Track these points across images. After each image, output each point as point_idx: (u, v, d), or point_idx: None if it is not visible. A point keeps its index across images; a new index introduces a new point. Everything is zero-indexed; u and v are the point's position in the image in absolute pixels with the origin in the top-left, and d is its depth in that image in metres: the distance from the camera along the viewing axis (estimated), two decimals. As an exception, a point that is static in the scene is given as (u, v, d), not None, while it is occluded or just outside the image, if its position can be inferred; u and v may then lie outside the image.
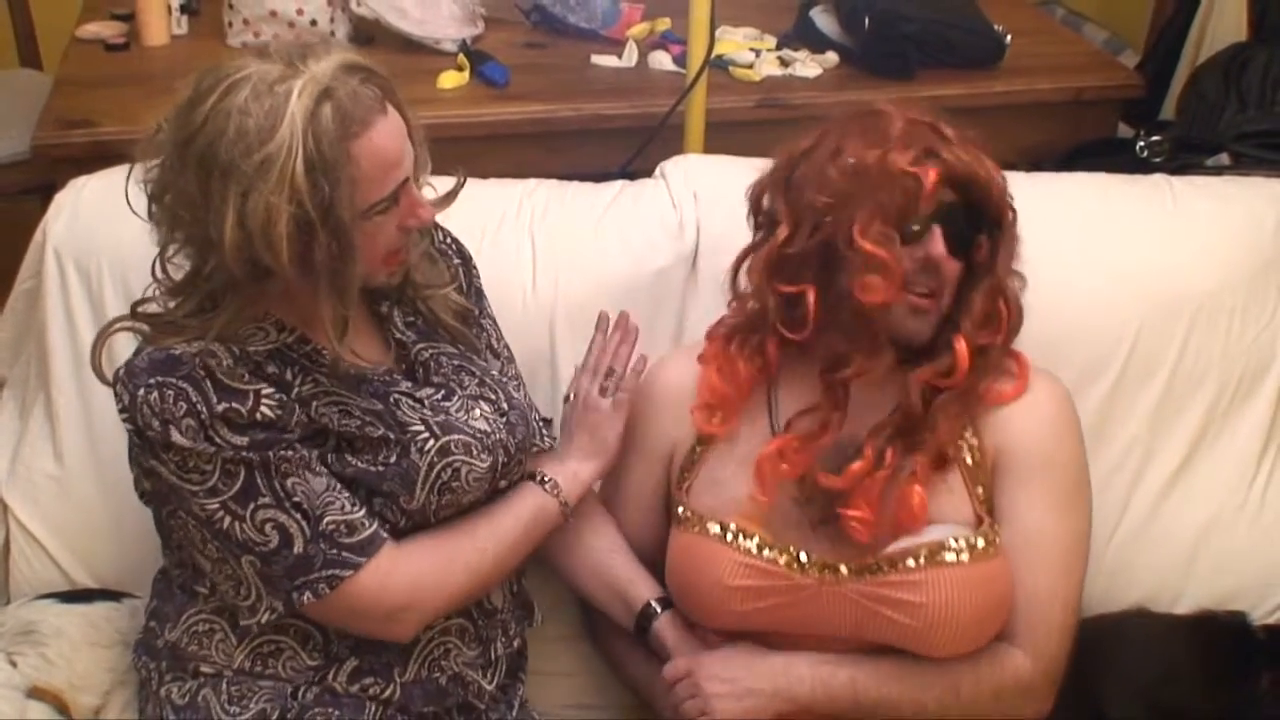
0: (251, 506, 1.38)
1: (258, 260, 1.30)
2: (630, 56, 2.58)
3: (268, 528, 1.39)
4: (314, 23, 2.55)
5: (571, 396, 1.67)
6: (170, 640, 1.52)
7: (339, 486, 1.42)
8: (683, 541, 1.56)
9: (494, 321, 1.69)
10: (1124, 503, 1.83)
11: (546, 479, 1.58)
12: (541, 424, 1.65)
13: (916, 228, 1.47)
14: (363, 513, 1.43)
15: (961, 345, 1.50)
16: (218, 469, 1.37)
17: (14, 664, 1.58)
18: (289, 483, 1.39)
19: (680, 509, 1.58)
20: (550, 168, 2.23)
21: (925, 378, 1.52)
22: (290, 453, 1.39)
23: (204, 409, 1.35)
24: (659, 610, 1.60)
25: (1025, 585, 1.51)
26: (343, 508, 1.41)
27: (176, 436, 1.35)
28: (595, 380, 1.64)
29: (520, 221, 1.90)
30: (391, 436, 1.44)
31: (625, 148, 2.36)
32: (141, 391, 1.35)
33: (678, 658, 1.55)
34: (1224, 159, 2.35)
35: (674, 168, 1.98)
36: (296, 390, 1.42)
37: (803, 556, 1.51)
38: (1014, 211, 1.56)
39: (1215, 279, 1.87)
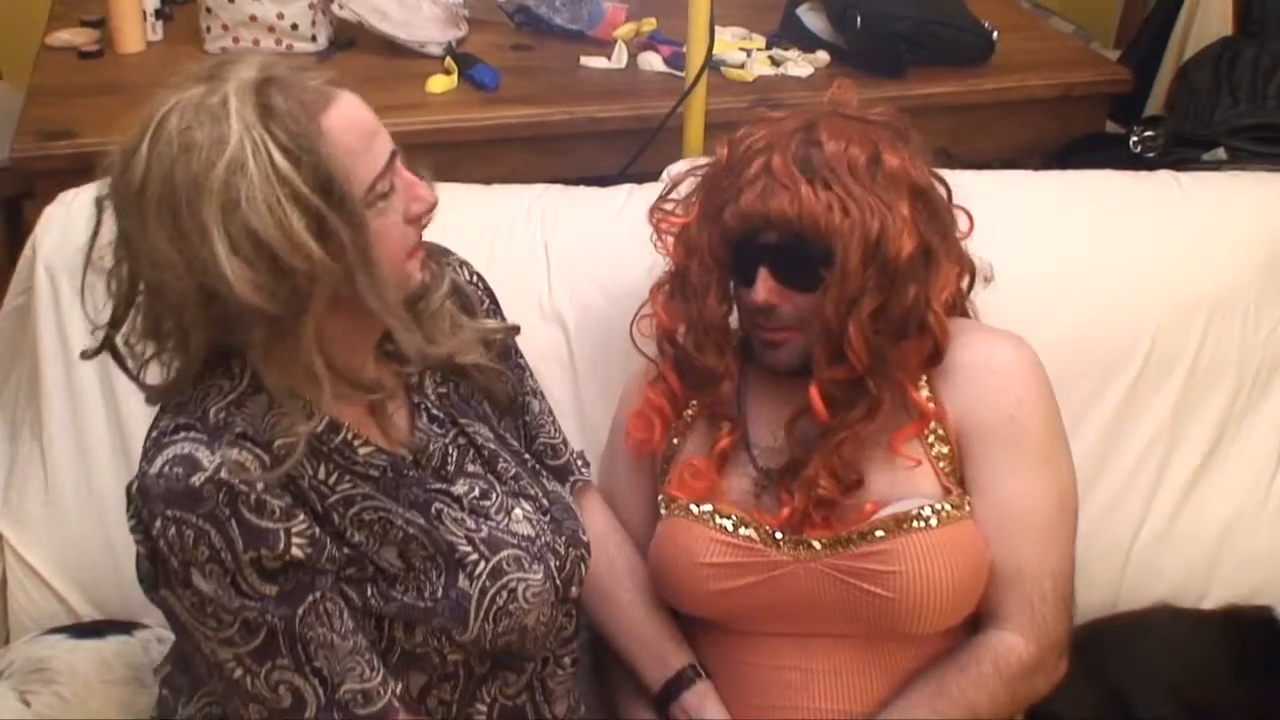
0: (268, 666, 1.26)
1: (289, 275, 1.16)
2: (620, 58, 2.55)
3: (281, 689, 1.27)
4: (295, 26, 2.48)
5: None
6: (185, 716, 1.43)
7: (364, 646, 1.31)
8: (664, 527, 1.56)
9: (524, 356, 1.61)
10: (1147, 501, 1.84)
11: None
12: (578, 459, 1.62)
13: (742, 271, 1.51)
14: (379, 679, 1.30)
15: (813, 388, 1.49)
16: (238, 622, 1.24)
17: (27, 703, 1.55)
18: (312, 647, 1.26)
19: (661, 498, 1.59)
20: (545, 171, 2.21)
21: (794, 420, 1.52)
22: (319, 611, 1.27)
23: (229, 556, 1.21)
24: (696, 676, 1.54)
25: (1009, 561, 1.49)
26: (362, 674, 1.29)
27: (199, 580, 1.22)
28: None
29: (531, 226, 1.87)
30: (440, 560, 1.34)
31: (619, 150, 2.32)
32: (159, 523, 1.21)
33: None
34: (1220, 154, 2.35)
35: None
36: (333, 497, 1.30)
37: (778, 535, 1.50)
38: (858, 239, 1.46)
39: (1229, 275, 1.88)
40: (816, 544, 1.49)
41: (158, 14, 2.56)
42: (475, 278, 1.54)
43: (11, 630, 1.76)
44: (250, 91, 1.16)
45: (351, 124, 1.22)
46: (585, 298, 1.83)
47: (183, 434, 1.24)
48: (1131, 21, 3.47)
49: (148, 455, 1.25)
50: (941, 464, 1.51)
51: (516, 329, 1.55)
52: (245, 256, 1.14)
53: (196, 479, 1.20)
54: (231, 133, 1.14)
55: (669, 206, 1.63)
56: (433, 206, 1.31)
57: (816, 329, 1.49)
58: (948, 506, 1.47)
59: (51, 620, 1.73)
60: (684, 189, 1.63)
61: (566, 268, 1.84)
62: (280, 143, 1.15)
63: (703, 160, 1.66)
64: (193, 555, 1.21)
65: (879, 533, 1.46)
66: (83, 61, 2.48)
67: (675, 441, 1.62)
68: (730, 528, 1.51)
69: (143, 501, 1.23)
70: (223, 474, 1.21)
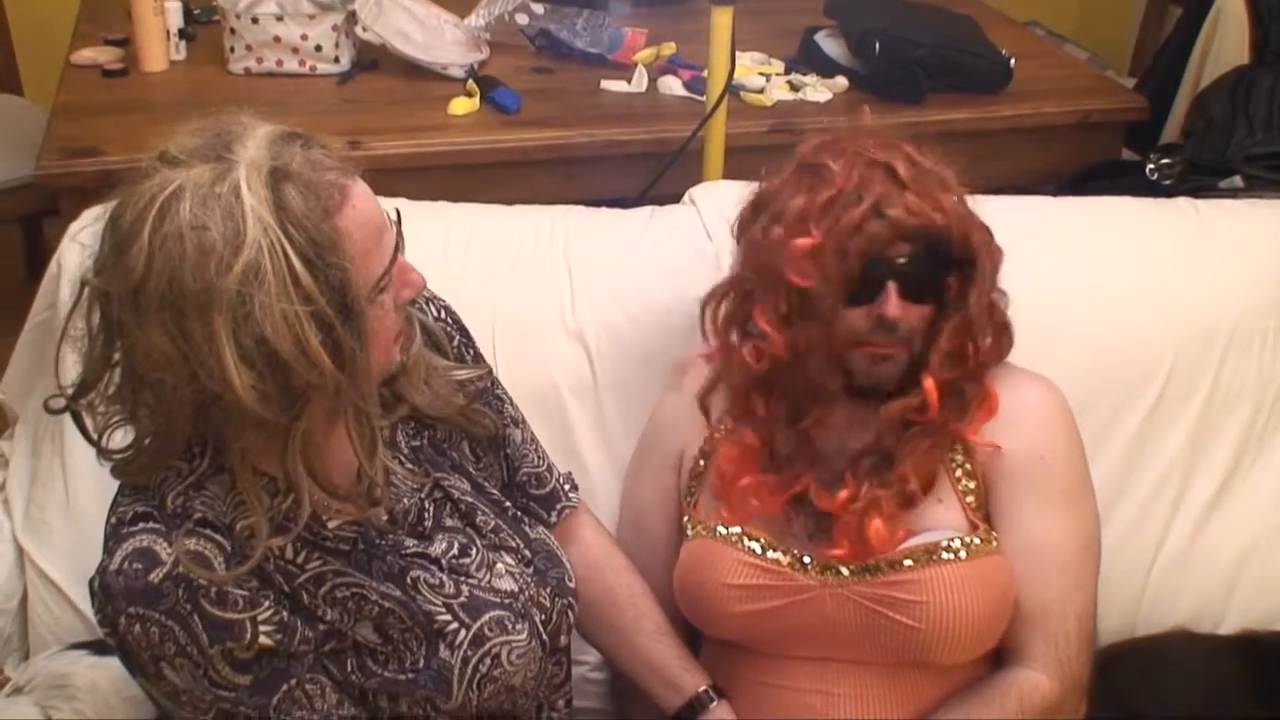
0: None
1: (296, 385, 1.11)
2: (640, 82, 2.56)
3: None
4: (319, 48, 2.50)
5: None
6: None
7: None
8: (690, 547, 1.56)
9: (502, 385, 1.55)
10: (1165, 527, 1.83)
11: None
12: (564, 483, 1.57)
13: (865, 288, 1.45)
14: None
15: (930, 383, 1.49)
16: (213, 710, 1.22)
17: (49, 718, 1.53)
18: None
19: (686, 520, 1.58)
20: (565, 194, 2.22)
21: (896, 414, 1.50)
22: (295, 697, 1.24)
23: (195, 650, 1.18)
24: (710, 699, 1.53)
25: (1035, 600, 1.49)
26: None
27: (170, 674, 1.20)
28: None
29: (554, 245, 1.88)
30: (419, 632, 1.30)
31: (639, 173, 2.33)
32: (124, 620, 1.18)
33: None
34: (1237, 181, 2.36)
35: (703, 194, 1.96)
36: (301, 577, 1.26)
37: (806, 559, 1.50)
38: (983, 243, 1.50)
39: (1247, 302, 1.88)
40: (844, 570, 1.48)
41: (181, 34, 2.58)
42: (443, 312, 1.48)
43: (33, 645, 1.75)
44: (264, 185, 1.10)
45: (364, 221, 1.16)
46: (607, 317, 1.83)
47: (141, 524, 1.20)
48: (1145, 50, 3.50)
49: (108, 546, 1.21)
50: (969, 499, 1.51)
51: (489, 371, 1.50)
52: (255, 366, 1.09)
53: (155, 575, 1.17)
54: (247, 233, 1.08)
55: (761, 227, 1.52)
56: (420, 289, 1.27)
57: (919, 340, 1.49)
58: (976, 540, 1.47)
59: (73, 635, 1.72)
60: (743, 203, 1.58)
61: (589, 287, 1.84)
62: (299, 248, 1.09)
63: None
64: (160, 651, 1.19)
65: (907, 562, 1.46)
66: (107, 80, 2.50)
67: (702, 464, 1.62)
68: (759, 550, 1.51)
69: (105, 599, 1.19)
70: (181, 568, 1.17)
